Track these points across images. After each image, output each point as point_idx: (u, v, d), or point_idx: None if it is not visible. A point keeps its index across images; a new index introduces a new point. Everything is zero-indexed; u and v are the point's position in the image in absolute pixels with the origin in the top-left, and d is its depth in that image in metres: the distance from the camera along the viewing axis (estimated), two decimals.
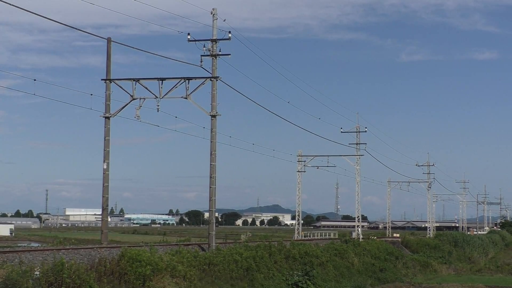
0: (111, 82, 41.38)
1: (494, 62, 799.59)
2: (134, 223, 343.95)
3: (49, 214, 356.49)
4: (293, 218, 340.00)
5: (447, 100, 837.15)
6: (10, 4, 29.46)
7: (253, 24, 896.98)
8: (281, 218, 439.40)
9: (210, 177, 40.79)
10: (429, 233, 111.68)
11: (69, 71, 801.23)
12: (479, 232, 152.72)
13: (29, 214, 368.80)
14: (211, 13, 40.98)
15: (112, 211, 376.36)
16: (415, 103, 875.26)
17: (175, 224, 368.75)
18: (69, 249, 32.28)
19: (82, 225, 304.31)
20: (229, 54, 41.06)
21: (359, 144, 78.28)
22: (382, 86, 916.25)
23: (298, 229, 79.36)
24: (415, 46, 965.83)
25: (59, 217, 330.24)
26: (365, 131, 78.78)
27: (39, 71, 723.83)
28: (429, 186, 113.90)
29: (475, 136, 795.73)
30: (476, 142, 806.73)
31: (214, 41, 40.69)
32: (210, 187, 40.77)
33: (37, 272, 24.70)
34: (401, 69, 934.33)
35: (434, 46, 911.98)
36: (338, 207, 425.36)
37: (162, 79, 40.86)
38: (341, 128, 78.21)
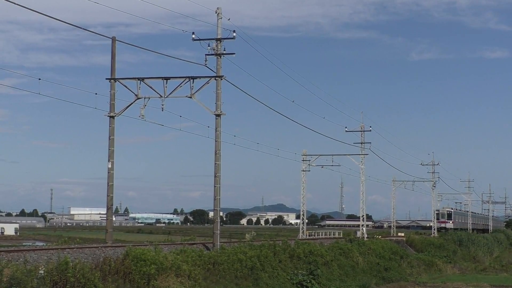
0: (115, 82, 41.41)
1: (505, 60, 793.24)
2: (138, 222, 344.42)
3: (53, 213, 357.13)
4: (297, 217, 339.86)
5: (453, 99, 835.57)
6: (16, 4, 29.48)
7: (264, 23, 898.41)
8: (285, 217, 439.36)
9: (215, 176, 40.79)
10: (434, 232, 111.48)
11: (78, 70, 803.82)
12: None
13: (34, 213, 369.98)
14: (216, 12, 41.00)
15: (116, 210, 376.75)
16: (420, 102, 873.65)
17: (179, 223, 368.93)
18: (73, 248, 32.28)
19: (87, 224, 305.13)
20: (234, 53, 41.06)
21: (364, 143, 78.25)
22: (388, 85, 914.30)
23: (302, 228, 79.36)
24: (425, 45, 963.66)
25: (64, 216, 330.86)
26: (370, 130, 78.73)
27: (47, 70, 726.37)
28: (434, 185, 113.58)
29: (480, 135, 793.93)
30: (481, 141, 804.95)
31: (218, 40, 40.69)
32: (215, 186, 40.77)
33: (41, 271, 24.72)
34: (411, 68, 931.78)
35: (445, 44, 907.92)
36: (343, 206, 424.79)
37: (167, 78, 40.86)
38: (346, 127, 78.13)
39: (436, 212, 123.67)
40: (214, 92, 40.65)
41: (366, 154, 78.36)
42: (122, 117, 41.90)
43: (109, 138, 41.27)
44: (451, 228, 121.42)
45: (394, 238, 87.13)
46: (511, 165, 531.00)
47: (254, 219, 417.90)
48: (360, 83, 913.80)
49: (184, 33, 40.60)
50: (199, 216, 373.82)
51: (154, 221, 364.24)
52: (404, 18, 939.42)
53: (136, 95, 41.30)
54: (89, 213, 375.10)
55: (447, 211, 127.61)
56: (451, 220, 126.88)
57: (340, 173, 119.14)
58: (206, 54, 40.51)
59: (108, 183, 40.93)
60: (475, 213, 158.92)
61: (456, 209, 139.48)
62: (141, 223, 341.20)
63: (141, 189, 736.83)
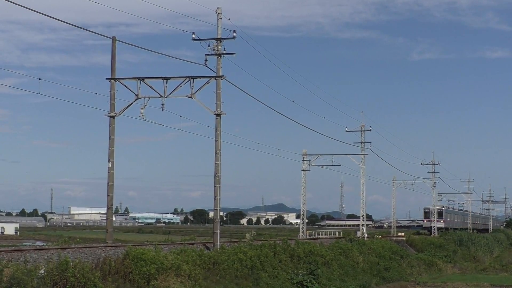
0: (116, 81, 41.42)
1: (505, 60, 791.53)
2: (139, 222, 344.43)
3: (54, 213, 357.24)
4: (297, 217, 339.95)
5: (453, 99, 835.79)
6: (16, 4, 29.48)
7: (264, 23, 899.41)
8: (285, 217, 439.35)
9: (215, 176, 40.79)
10: (434, 232, 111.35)
11: (78, 70, 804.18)
12: None
13: (34, 213, 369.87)
14: (216, 12, 41.01)
15: (117, 210, 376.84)
16: (420, 102, 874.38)
17: (180, 223, 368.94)
18: (74, 248, 32.30)
19: (87, 224, 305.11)
20: (234, 53, 41.06)
21: (364, 143, 78.25)
22: (388, 85, 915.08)
23: (303, 228, 79.35)
24: (426, 45, 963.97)
25: (64, 216, 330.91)
26: (370, 130, 78.75)
27: (47, 69, 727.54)
28: (434, 185, 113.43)
29: (480, 135, 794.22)
30: (481, 141, 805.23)
31: (218, 40, 40.70)
32: (215, 186, 40.78)
33: (42, 271, 24.74)
34: (411, 68, 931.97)
35: (446, 44, 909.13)
36: (343, 206, 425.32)
37: (167, 78, 40.87)
38: (346, 127, 78.21)
39: (426, 210, 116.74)
40: (214, 92, 40.67)
41: (366, 154, 78.39)
42: (122, 117, 41.97)
43: (109, 138, 41.28)
44: (441, 228, 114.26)
45: (394, 238, 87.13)
46: (511, 165, 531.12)
47: (254, 219, 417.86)
48: (360, 83, 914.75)
49: (185, 33, 40.67)
50: (199, 216, 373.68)
51: (154, 221, 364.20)
52: (405, 18, 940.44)
53: (136, 95, 41.31)
54: (89, 213, 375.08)
55: (438, 209, 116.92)
56: (442, 219, 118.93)
57: (340, 173, 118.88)
58: (206, 54, 40.55)
59: (108, 183, 40.95)
60: (473, 212, 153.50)
61: (448, 207, 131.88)
62: (141, 223, 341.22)
63: (141, 189, 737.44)
